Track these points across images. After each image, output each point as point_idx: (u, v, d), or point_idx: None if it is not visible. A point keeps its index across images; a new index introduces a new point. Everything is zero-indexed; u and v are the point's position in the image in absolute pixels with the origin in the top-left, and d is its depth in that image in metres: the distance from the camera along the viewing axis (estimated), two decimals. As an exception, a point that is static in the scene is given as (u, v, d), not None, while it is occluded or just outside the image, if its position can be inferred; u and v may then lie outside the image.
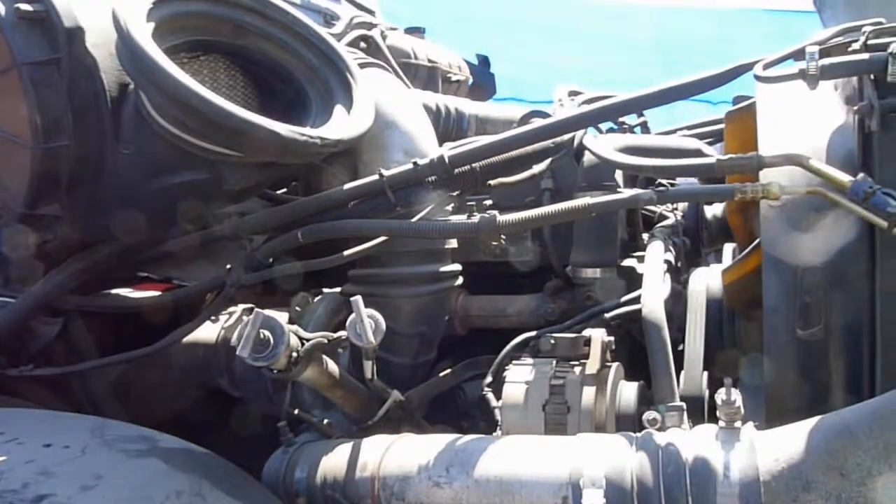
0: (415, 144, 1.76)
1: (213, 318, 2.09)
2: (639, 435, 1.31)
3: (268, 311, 1.99)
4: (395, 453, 1.43)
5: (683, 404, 1.41)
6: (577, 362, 1.65)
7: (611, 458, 1.26)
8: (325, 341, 1.37)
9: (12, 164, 1.45)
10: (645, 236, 2.13)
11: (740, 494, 1.16)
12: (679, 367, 1.75)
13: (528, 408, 1.60)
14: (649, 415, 1.40)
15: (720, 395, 1.24)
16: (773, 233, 1.43)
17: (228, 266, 1.66)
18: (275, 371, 1.34)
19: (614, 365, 1.62)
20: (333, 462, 1.50)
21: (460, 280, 1.83)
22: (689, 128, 2.55)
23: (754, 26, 6.16)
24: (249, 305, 2.04)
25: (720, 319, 1.88)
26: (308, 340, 1.37)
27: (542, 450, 1.33)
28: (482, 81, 3.17)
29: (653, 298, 1.50)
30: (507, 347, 1.74)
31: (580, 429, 1.56)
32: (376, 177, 1.56)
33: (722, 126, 2.47)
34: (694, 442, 1.23)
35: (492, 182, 1.58)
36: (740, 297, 1.70)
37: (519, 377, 1.64)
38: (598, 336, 1.63)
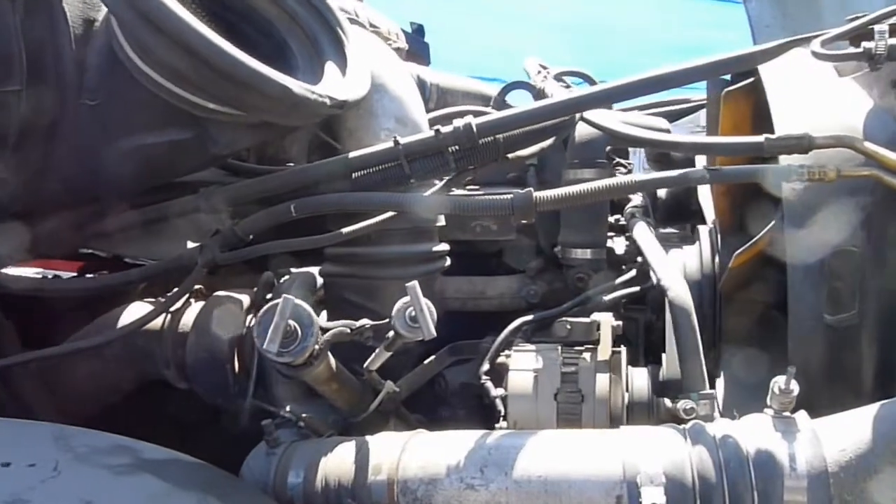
0: (406, 111, 1.60)
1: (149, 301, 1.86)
2: (687, 426, 1.24)
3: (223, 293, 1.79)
4: (414, 453, 1.29)
5: (714, 391, 1.37)
6: (581, 348, 1.57)
7: (667, 453, 1.18)
8: (348, 331, 1.20)
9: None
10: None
11: (809, 487, 1.12)
12: (660, 352, 1.73)
13: (538, 397, 1.51)
14: (685, 404, 1.34)
15: (777, 383, 1.19)
16: (798, 217, 1.40)
17: (198, 244, 1.43)
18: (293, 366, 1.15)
19: (623, 350, 1.55)
20: (337, 464, 1.33)
21: (448, 261, 1.70)
22: (640, 108, 2.53)
23: (690, 12, 6.28)
24: (198, 287, 1.81)
25: (700, 303, 1.87)
26: (327, 330, 1.19)
27: (588, 445, 1.23)
28: (417, 51, 3.01)
29: (677, 282, 1.44)
30: (505, 332, 1.63)
31: (595, 419, 1.48)
32: (389, 144, 1.39)
33: (677, 107, 2.50)
34: (753, 433, 1.18)
35: (510, 155, 1.45)
36: (737, 280, 1.68)
37: (525, 364, 1.54)
38: (607, 320, 1.56)
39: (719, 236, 1.91)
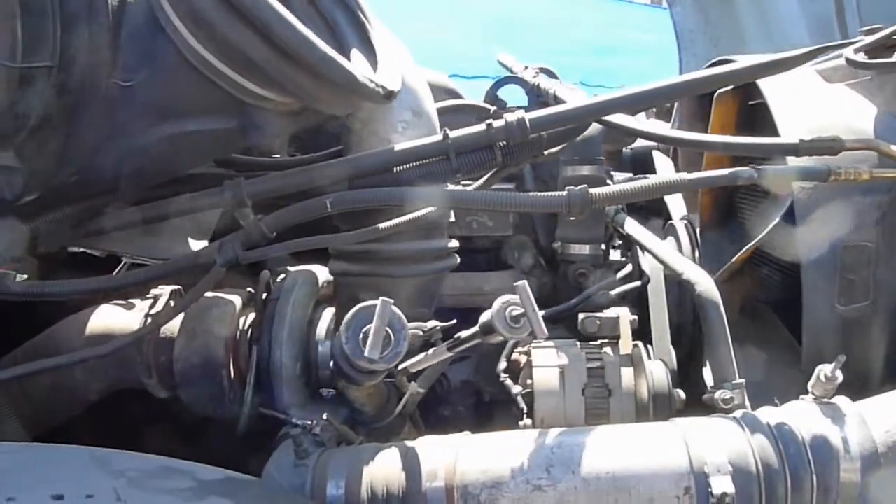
0: (421, 103, 1.54)
1: (122, 303, 1.70)
2: (739, 415, 1.28)
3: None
4: (471, 457, 1.25)
5: (743, 381, 1.42)
6: (598, 343, 1.59)
7: (729, 442, 1.22)
8: (420, 333, 1.14)
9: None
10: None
11: (862, 469, 1.19)
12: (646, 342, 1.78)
13: (565, 393, 1.51)
14: (723, 394, 1.37)
15: (823, 371, 1.26)
16: (810, 212, 1.48)
17: (217, 241, 1.31)
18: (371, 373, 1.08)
19: (640, 344, 1.58)
20: (383, 472, 1.26)
21: (458, 259, 1.66)
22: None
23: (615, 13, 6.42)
24: (176, 287, 1.67)
25: (681, 300, 1.92)
26: (399, 332, 1.13)
27: (650, 438, 1.24)
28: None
29: (703, 276, 1.48)
30: (520, 329, 1.61)
31: (622, 412, 1.50)
32: (438, 137, 1.33)
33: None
34: (804, 419, 1.24)
35: (546, 152, 1.43)
36: (727, 276, 1.75)
37: (548, 361, 1.54)
38: (625, 315, 1.58)
39: (698, 231, 1.99)
